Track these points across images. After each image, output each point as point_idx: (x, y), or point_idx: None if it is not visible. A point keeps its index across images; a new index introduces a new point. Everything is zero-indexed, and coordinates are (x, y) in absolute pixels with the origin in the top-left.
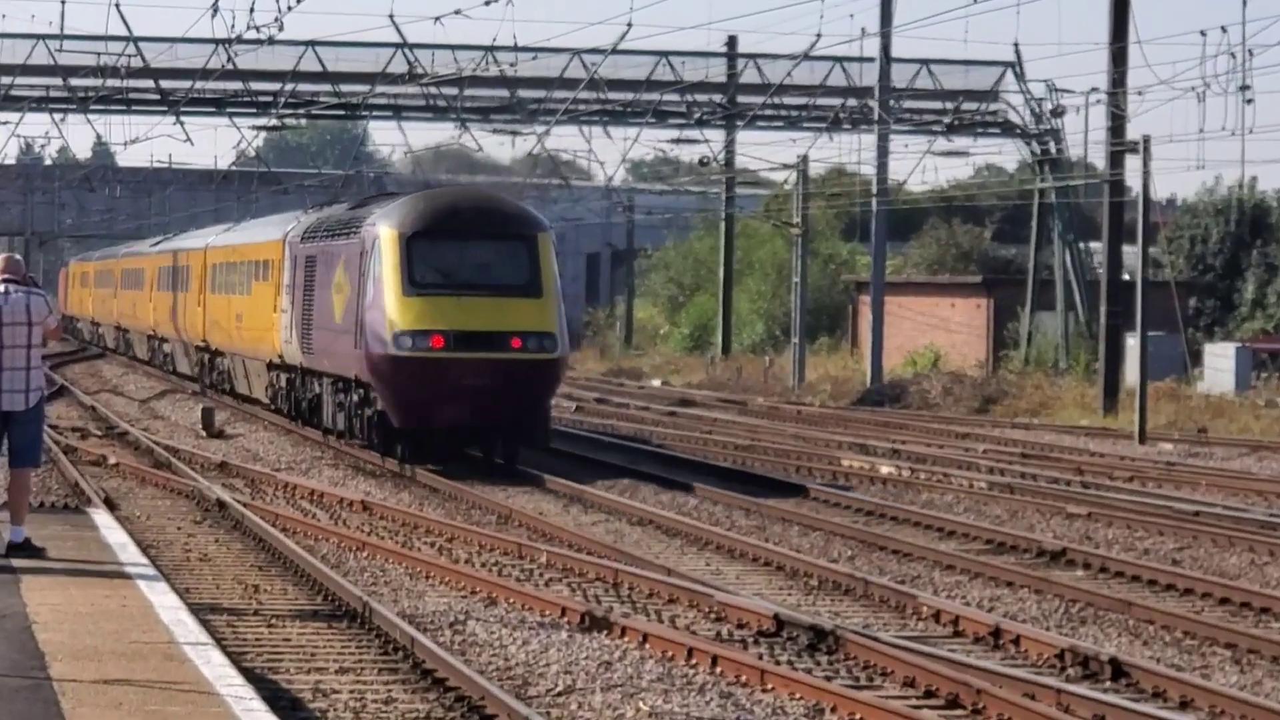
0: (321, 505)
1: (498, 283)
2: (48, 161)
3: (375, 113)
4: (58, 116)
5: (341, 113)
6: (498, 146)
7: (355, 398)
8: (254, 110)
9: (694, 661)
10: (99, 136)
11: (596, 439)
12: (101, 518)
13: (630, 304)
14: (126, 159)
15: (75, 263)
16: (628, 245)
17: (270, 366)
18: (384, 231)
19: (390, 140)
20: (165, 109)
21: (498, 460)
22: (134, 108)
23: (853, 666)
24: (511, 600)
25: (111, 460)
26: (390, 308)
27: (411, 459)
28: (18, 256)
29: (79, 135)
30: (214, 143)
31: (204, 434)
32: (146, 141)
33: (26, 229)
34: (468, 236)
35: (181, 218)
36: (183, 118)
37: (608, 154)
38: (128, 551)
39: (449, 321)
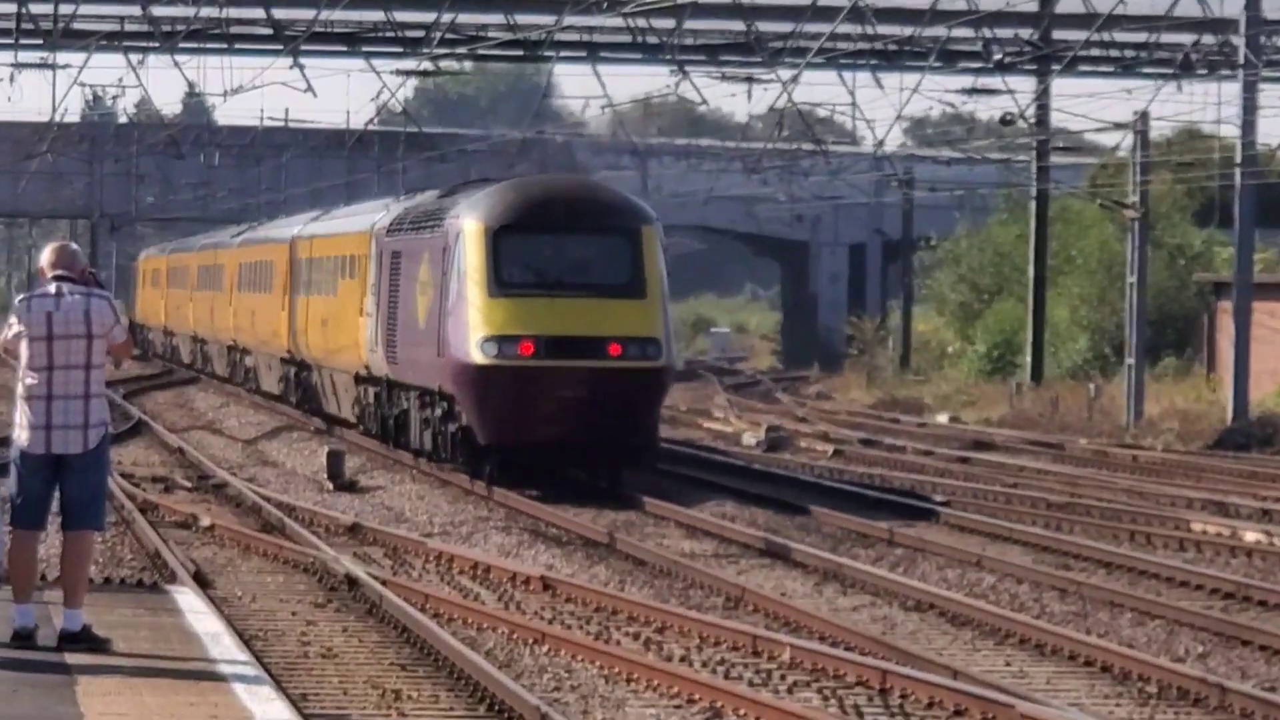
0: (487, 583)
1: (596, 282)
2: (122, 119)
3: (563, 52)
4: (135, 58)
5: (518, 53)
6: (728, 99)
7: (439, 412)
8: (399, 50)
9: None
10: (190, 85)
11: (860, 495)
12: (188, 599)
13: (908, 312)
14: (227, 115)
15: (148, 256)
16: (904, 233)
17: (357, 379)
18: (468, 224)
19: (583, 90)
20: (280, 48)
21: (601, 484)
22: (237, 46)
23: None
24: (743, 711)
25: (205, 522)
26: (474, 310)
27: (500, 480)
28: (74, 246)
29: (163, 83)
30: (345, 94)
31: (330, 486)
32: (254, 91)
33: (94, 210)
34: (562, 230)
35: (301, 194)
36: (303, 60)
37: (877, 110)
38: (222, 644)
39: (540, 326)
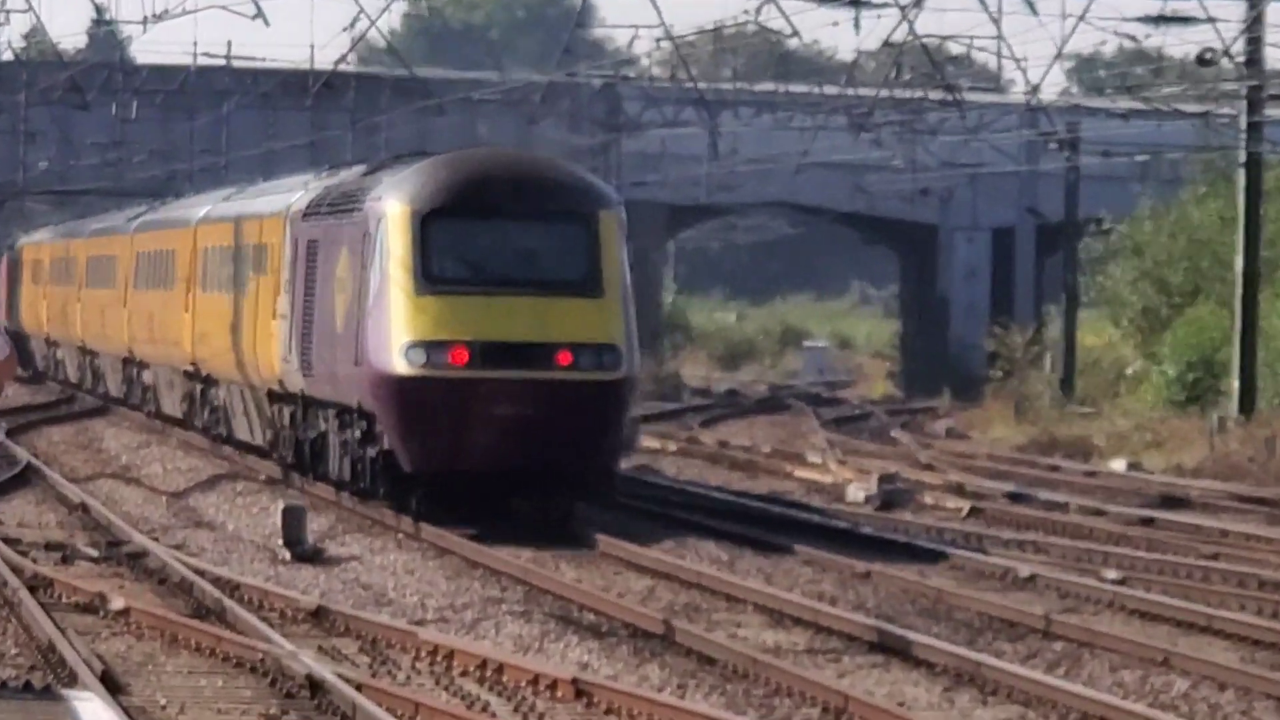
0: (500, 688)
1: (543, 278)
2: (5, 56)
3: None
4: None
5: None
6: (828, 30)
7: (357, 433)
8: None
9: None
10: (98, 11)
11: (1005, 569)
12: (93, 708)
13: (1072, 321)
14: (148, 51)
15: (28, 243)
16: (1067, 213)
17: (271, 397)
18: (391, 208)
19: (631, 18)
20: None
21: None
22: None
23: None
24: None
25: (117, 604)
26: (397, 311)
27: (427, 515)
28: None
29: (62, 8)
30: (308, 24)
31: (287, 555)
32: (184, 19)
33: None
34: (504, 215)
35: (249, 157)
36: None
37: (1030, 45)
38: None
39: (475, 329)
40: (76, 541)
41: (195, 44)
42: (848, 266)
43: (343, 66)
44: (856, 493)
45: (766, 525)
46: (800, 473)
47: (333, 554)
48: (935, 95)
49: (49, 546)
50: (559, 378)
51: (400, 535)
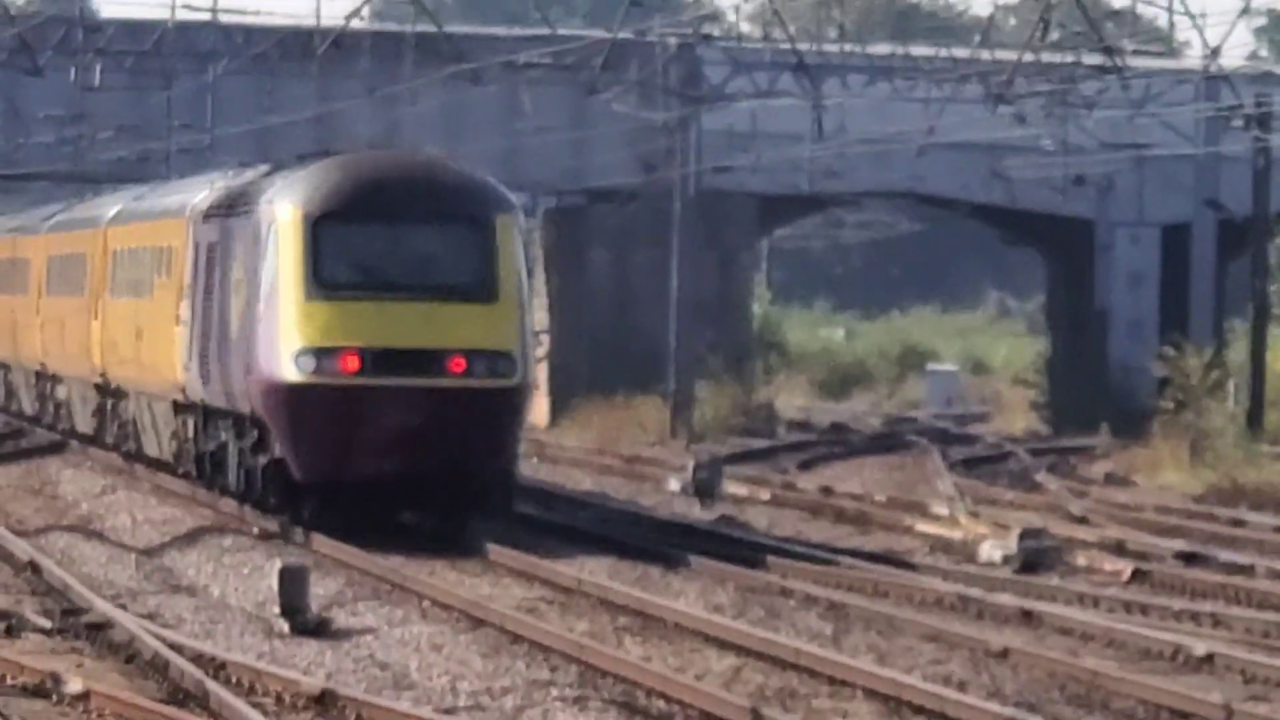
0: None
1: (437, 283)
2: None
3: None
4: None
5: None
6: None
7: (250, 441)
8: None
9: None
10: None
11: (1178, 647)
12: None
13: (1260, 337)
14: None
15: None
16: (1255, 206)
17: (176, 408)
18: (281, 210)
19: None
20: None
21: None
22: None
23: None
24: None
25: (74, 686)
26: (286, 317)
27: (317, 523)
28: None
29: None
30: None
31: (285, 627)
32: None
33: None
34: (396, 219)
35: (242, 134)
36: None
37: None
38: None
39: (366, 336)
40: (24, 609)
41: None
42: (982, 272)
43: (355, 23)
44: (992, 552)
45: (879, 592)
46: (922, 527)
47: (342, 625)
48: (1091, 60)
49: None
50: (452, 385)
51: (425, 603)
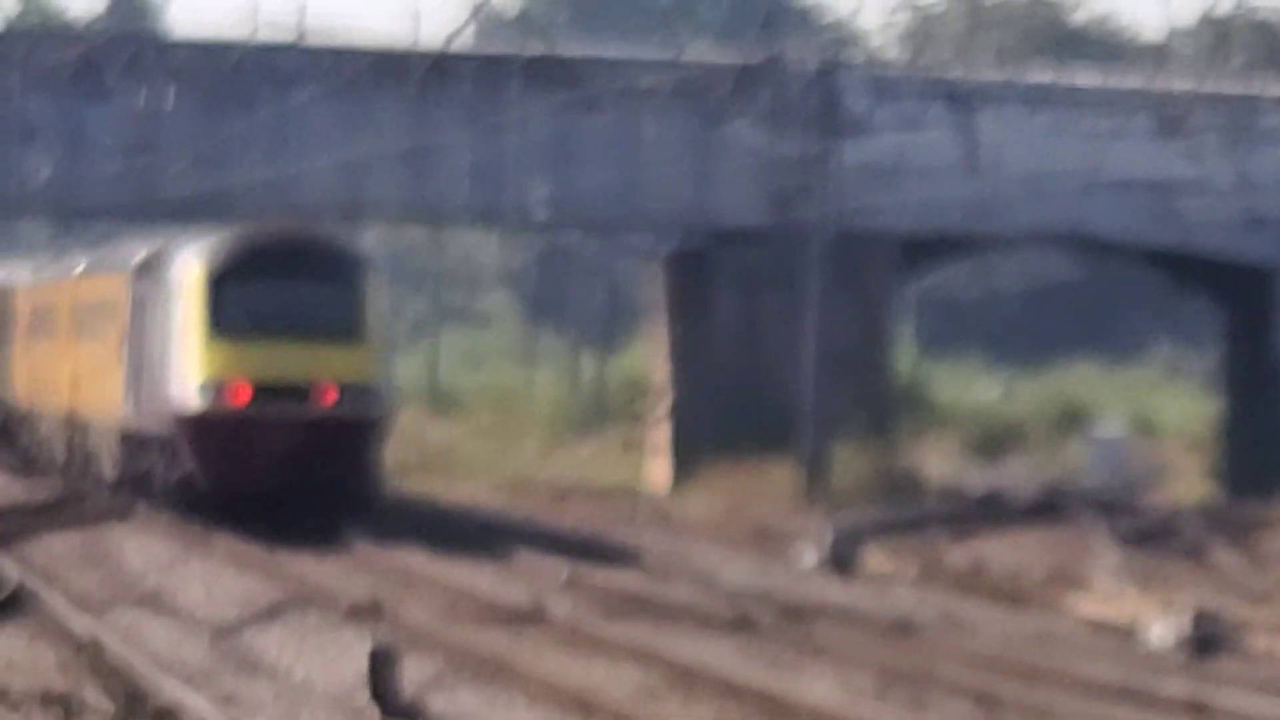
0: None
1: (310, 327)
2: None
3: None
4: None
5: None
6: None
7: (166, 459)
8: None
9: None
10: None
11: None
12: None
13: None
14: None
15: (26, 284)
16: None
17: (122, 437)
18: (191, 270)
19: None
20: None
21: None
22: None
23: None
24: None
25: None
26: (190, 354)
27: (219, 525)
28: None
29: None
30: None
31: (375, 713)
32: None
33: None
34: (278, 277)
35: (330, 166)
36: None
37: None
38: None
39: (254, 371)
40: (84, 692)
41: (256, 12)
42: (1151, 323)
43: (458, 44)
44: (1160, 633)
45: (1035, 676)
46: (1084, 606)
47: (438, 711)
48: (1274, 90)
49: (46, 698)
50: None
51: (520, 679)
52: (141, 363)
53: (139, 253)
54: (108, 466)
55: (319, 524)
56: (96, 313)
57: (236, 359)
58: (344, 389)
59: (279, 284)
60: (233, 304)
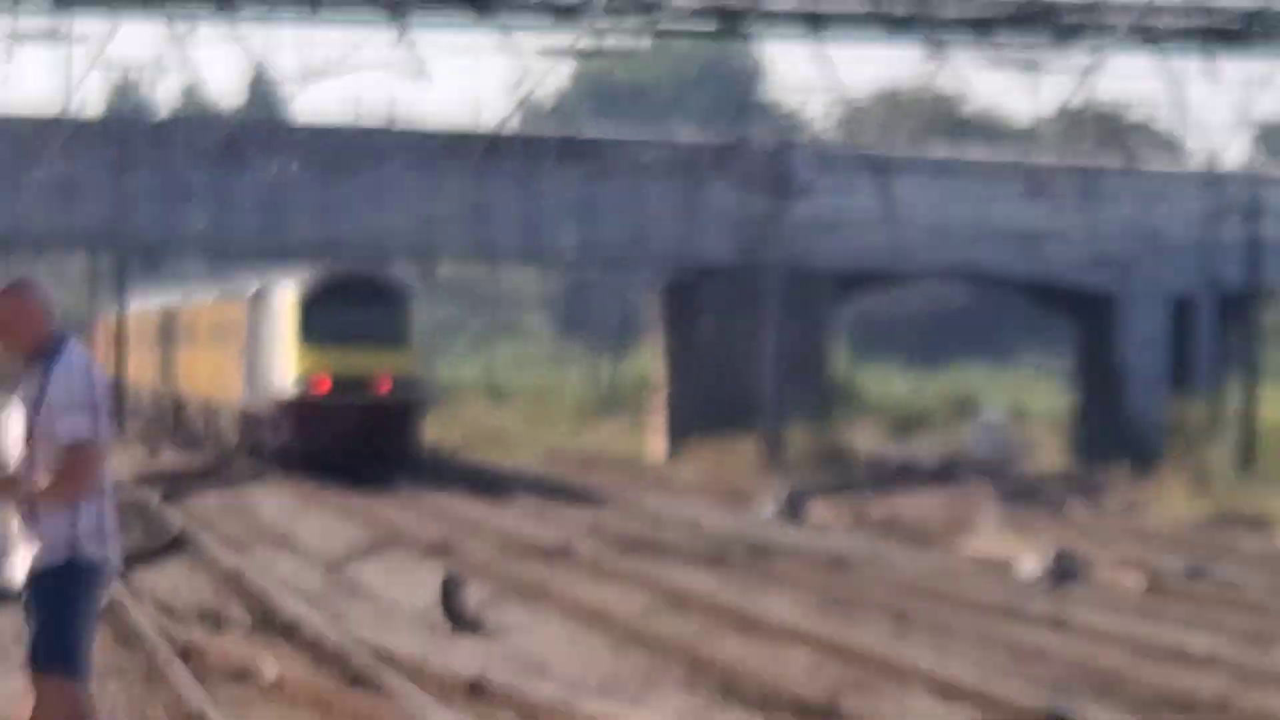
0: None
1: (370, 337)
2: (162, 113)
3: (775, 25)
4: (180, 26)
5: (712, 26)
6: (1004, 93)
7: (272, 430)
8: (548, 20)
9: None
10: (257, 67)
11: (1181, 644)
12: None
13: (1252, 396)
14: (307, 109)
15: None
16: (1249, 283)
17: (241, 415)
18: (289, 296)
19: (804, 79)
20: (384, 9)
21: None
22: (322, 11)
23: None
24: None
25: (269, 673)
26: (289, 358)
27: (306, 475)
28: (30, 285)
29: (220, 63)
30: (471, 78)
31: (446, 624)
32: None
33: (121, 236)
34: (348, 301)
35: (411, 218)
36: (414, 32)
37: (1211, 106)
38: None
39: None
40: (228, 610)
41: (357, 103)
42: (1024, 336)
43: (507, 128)
44: (1028, 567)
45: (937, 599)
46: (972, 546)
47: (493, 624)
48: (1114, 163)
49: (201, 615)
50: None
51: (559, 603)
52: (254, 363)
53: (253, 285)
54: (230, 437)
55: (377, 474)
56: (225, 328)
57: (319, 360)
58: (395, 381)
59: (348, 307)
60: (316, 321)
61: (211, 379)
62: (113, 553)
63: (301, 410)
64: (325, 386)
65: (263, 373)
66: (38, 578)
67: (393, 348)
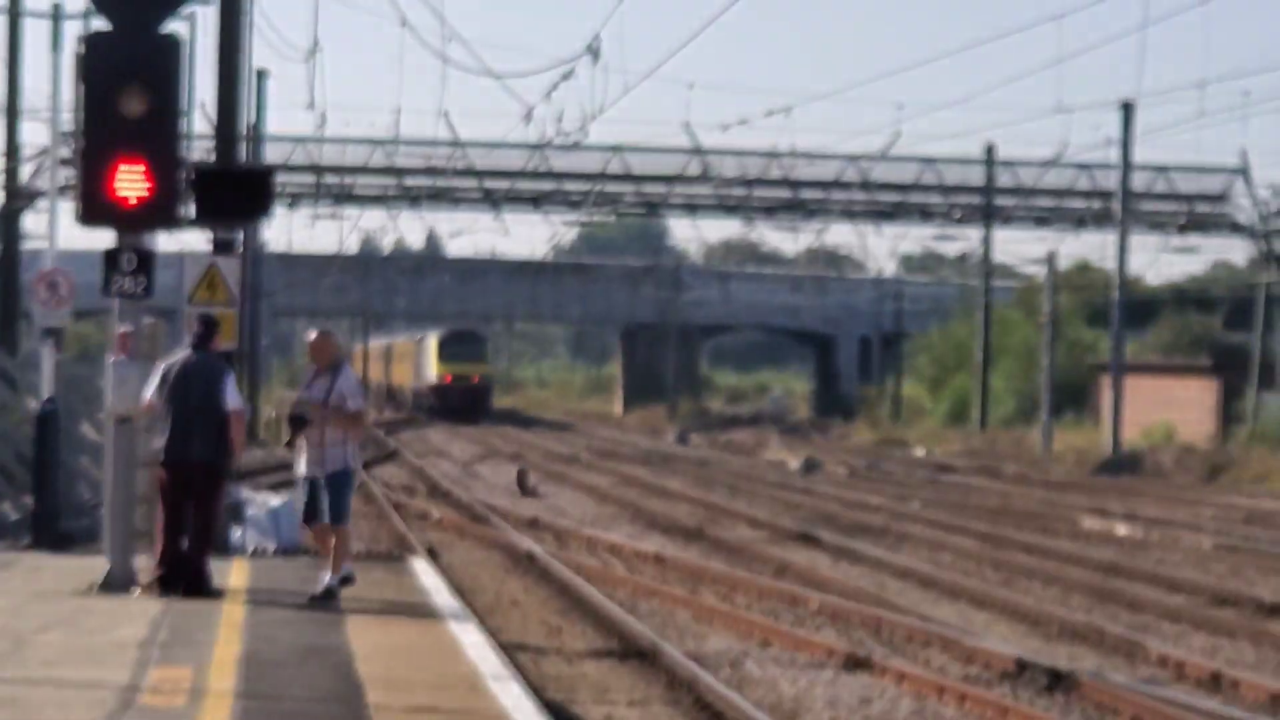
0: (620, 557)
1: (470, 359)
2: (385, 252)
3: (673, 210)
4: (393, 211)
5: (643, 210)
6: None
7: (425, 400)
8: (565, 207)
9: (944, 699)
10: (429, 229)
11: (862, 499)
12: (421, 565)
13: (898, 383)
14: (453, 249)
15: (390, 340)
16: (896, 330)
17: (414, 392)
18: (431, 341)
19: (687, 235)
20: (487, 205)
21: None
22: (459, 204)
23: (1086, 706)
24: (784, 642)
25: (435, 516)
26: (433, 365)
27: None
28: (330, 331)
29: (412, 228)
30: (530, 235)
31: (518, 493)
32: (470, 234)
33: (366, 310)
34: (461, 344)
35: (500, 302)
36: (502, 213)
37: (878, 248)
38: (442, 595)
39: (452, 373)
40: (416, 485)
41: (475, 245)
42: (791, 355)
43: (546, 257)
44: (793, 465)
45: (750, 478)
46: (768, 455)
47: (542, 493)
48: (833, 274)
49: (403, 488)
50: (473, 384)
51: (573, 483)
52: (420, 368)
53: (419, 335)
54: (410, 402)
55: (477, 418)
56: (409, 353)
57: (446, 367)
58: (480, 377)
59: (457, 344)
60: (444, 351)
61: (403, 375)
62: (358, 465)
63: (439, 389)
64: (449, 379)
65: (424, 373)
66: (331, 476)
67: (477, 362)
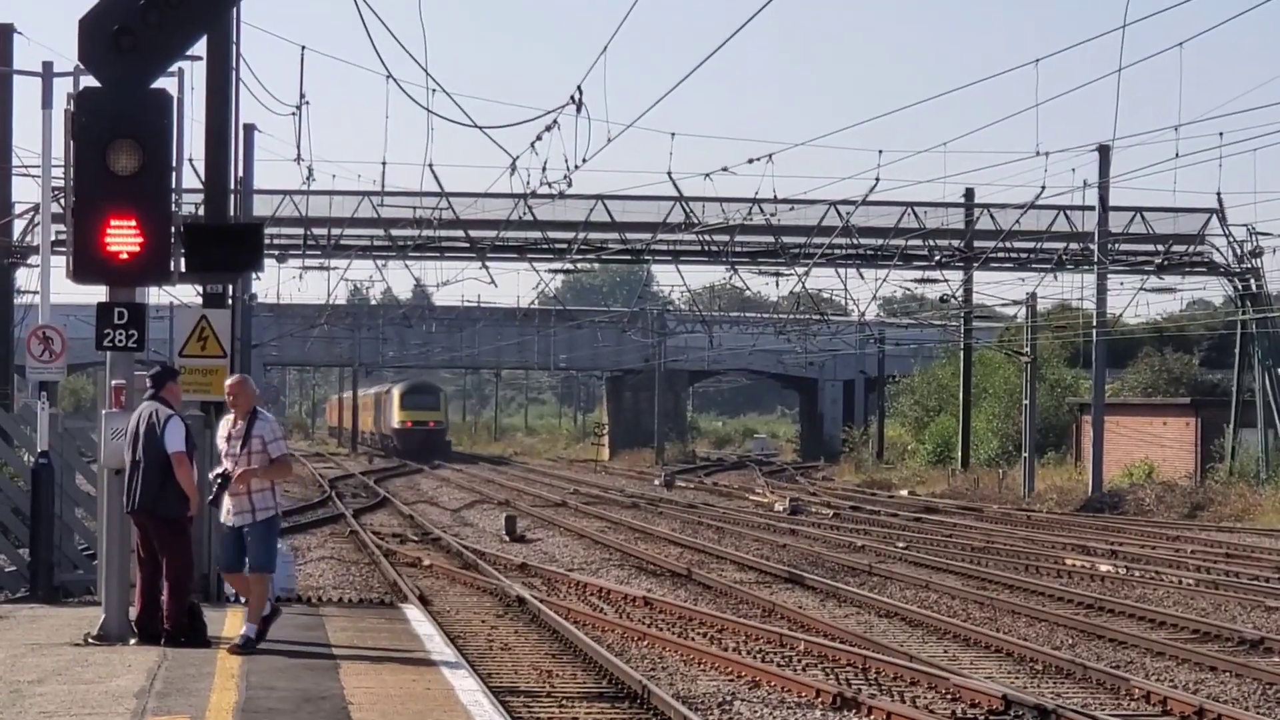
0: (609, 601)
1: (427, 408)
2: (373, 302)
3: (657, 257)
4: (381, 263)
5: (627, 257)
6: (764, 286)
7: (385, 443)
8: (551, 255)
9: None
10: (416, 280)
11: (849, 542)
12: (413, 612)
13: (881, 424)
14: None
15: (363, 393)
16: (879, 372)
17: (379, 436)
18: (395, 393)
19: (670, 281)
20: (473, 255)
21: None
22: (446, 254)
23: None
24: (773, 683)
25: (426, 562)
26: (395, 413)
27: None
28: (246, 379)
29: (399, 279)
30: (516, 284)
31: (507, 539)
32: (458, 283)
33: (354, 361)
34: (420, 395)
35: (489, 350)
36: (489, 262)
37: (860, 292)
38: (434, 642)
39: (411, 419)
40: (406, 532)
41: (462, 295)
42: (775, 399)
43: (533, 305)
44: (779, 506)
45: (738, 521)
46: (752, 497)
47: (529, 538)
48: (816, 317)
49: (393, 535)
50: (429, 429)
51: (561, 529)
52: (384, 415)
53: (384, 387)
54: (375, 446)
55: (437, 460)
56: (372, 403)
57: (407, 415)
58: (435, 423)
59: (418, 395)
60: (406, 401)
61: (370, 421)
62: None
63: (400, 433)
64: (410, 425)
65: (387, 419)
66: (255, 525)
67: (433, 410)
